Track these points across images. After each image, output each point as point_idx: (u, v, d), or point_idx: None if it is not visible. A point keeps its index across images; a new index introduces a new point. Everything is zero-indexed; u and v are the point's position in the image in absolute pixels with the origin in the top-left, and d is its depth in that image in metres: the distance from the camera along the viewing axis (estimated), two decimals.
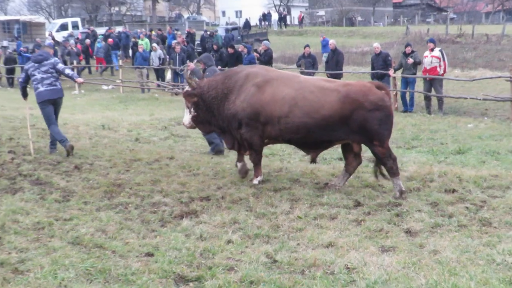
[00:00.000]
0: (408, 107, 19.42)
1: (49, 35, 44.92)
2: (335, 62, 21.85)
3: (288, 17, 71.54)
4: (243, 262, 6.00)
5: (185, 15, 79.60)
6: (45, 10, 65.20)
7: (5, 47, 36.01)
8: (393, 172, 8.83)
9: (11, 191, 8.75)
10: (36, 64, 11.60)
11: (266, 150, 11.95)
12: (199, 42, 38.35)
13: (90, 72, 34.64)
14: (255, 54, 24.64)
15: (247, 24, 53.64)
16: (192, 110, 9.78)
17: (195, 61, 13.70)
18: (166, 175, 9.85)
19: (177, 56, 26.11)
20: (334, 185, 9.12)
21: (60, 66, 11.88)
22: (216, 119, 9.63)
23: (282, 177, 9.68)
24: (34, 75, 11.58)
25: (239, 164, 9.80)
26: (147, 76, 27.86)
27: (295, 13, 76.43)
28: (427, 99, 19.20)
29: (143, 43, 32.14)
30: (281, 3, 79.33)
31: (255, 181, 9.44)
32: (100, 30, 45.97)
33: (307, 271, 5.79)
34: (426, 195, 8.55)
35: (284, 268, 5.86)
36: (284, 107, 8.94)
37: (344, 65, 22.86)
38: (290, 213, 7.81)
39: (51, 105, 11.67)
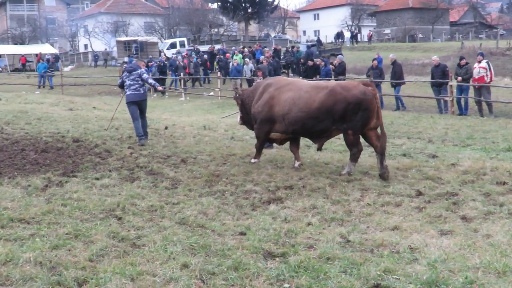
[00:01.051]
0: (463, 111, 18.92)
1: (160, 52, 45.83)
2: (393, 73, 21.72)
3: (359, 35, 70.71)
4: (321, 241, 5.95)
5: (272, 34, 79.80)
6: (158, 32, 66.51)
7: (125, 62, 36.97)
8: (354, 158, 9.44)
9: (130, 179, 8.95)
10: (127, 73, 12.82)
11: (339, 147, 11.90)
12: (282, 56, 38.31)
13: (206, 81, 34.65)
14: (331, 66, 24.47)
15: (319, 41, 53.06)
16: (239, 112, 11.11)
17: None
18: (257, 168, 9.87)
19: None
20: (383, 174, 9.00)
21: (145, 76, 13.01)
22: (249, 118, 10.60)
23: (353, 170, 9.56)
24: (125, 81, 12.79)
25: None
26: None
27: (365, 32, 75.62)
28: (478, 104, 18.72)
29: (237, 58, 32.37)
30: (353, 23, 78.43)
31: (253, 161, 10.38)
32: (203, 48, 46.60)
33: (376, 250, 5.70)
34: (480, 187, 8.28)
35: (356, 247, 5.79)
36: (286, 107, 9.66)
37: (406, 75, 22.50)
38: (361, 200, 7.71)
39: (135, 105, 12.75)
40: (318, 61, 25.58)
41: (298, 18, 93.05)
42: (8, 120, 16.33)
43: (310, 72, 23.98)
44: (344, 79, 23.53)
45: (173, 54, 43.43)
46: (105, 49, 57.57)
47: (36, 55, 46.94)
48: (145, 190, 8.22)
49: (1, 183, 8.57)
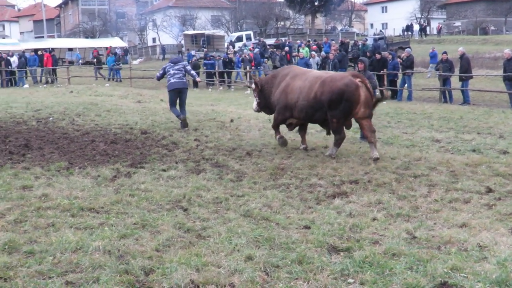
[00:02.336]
0: None
1: (227, 46, 46.11)
2: (460, 66, 21.20)
3: (428, 28, 69.04)
4: (386, 237, 5.87)
5: (339, 27, 79.04)
6: (224, 25, 67.01)
7: (193, 56, 37.38)
8: (337, 143, 10.27)
9: (196, 171, 9.07)
10: (172, 64, 14.07)
11: (406, 141, 11.70)
12: (350, 50, 37.87)
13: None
14: (398, 60, 24.04)
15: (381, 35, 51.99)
16: (256, 98, 11.82)
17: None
18: (321, 161, 9.82)
19: (331, 62, 26.08)
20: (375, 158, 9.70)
21: (188, 68, 14.48)
22: (269, 104, 11.44)
23: (421, 165, 9.38)
24: (169, 71, 13.95)
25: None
26: None
27: (434, 24, 73.65)
28: None
29: (304, 52, 32.24)
30: (422, 16, 76.79)
31: (277, 137, 11.38)
32: (269, 41, 46.64)
33: (443, 247, 5.57)
34: None
35: (422, 244, 5.68)
36: (295, 95, 10.54)
37: (477, 69, 21.87)
38: (427, 196, 7.55)
39: (176, 93, 13.87)
40: (385, 54, 25.17)
41: (366, 11, 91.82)
42: (79, 112, 16.83)
43: (377, 65, 23.58)
44: (412, 73, 23.13)
45: (238, 47, 43.64)
46: (179, 41, 58.30)
47: (106, 48, 47.96)
48: (211, 182, 8.31)
49: (72, 173, 8.85)
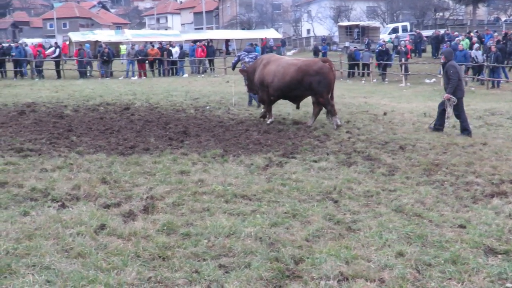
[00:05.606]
0: None
1: (381, 38, 45.29)
2: None
3: None
4: None
5: (503, 18, 74.70)
6: (380, 16, 65.79)
7: (347, 47, 37.23)
8: (332, 113, 12.64)
9: (347, 164, 9.03)
10: (246, 53, 16.24)
11: None
12: None
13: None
14: None
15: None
16: (245, 80, 15.14)
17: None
18: (479, 159, 9.38)
19: (493, 55, 24.69)
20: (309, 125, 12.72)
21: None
22: (254, 85, 13.86)
23: None
24: (243, 58, 15.88)
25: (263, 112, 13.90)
26: (466, 72, 26.69)
27: None
28: None
29: (463, 44, 30.87)
30: None
31: (268, 122, 13.28)
32: (426, 33, 45.14)
33: None
34: None
35: None
36: (270, 77, 13.04)
37: None
38: None
39: None
40: None
41: None
42: (234, 101, 17.36)
43: None
44: None
45: (390, 39, 42.65)
46: (328, 34, 58.33)
47: (262, 39, 48.96)
48: (362, 175, 8.24)
49: (227, 160, 9.17)
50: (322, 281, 4.58)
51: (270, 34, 54.53)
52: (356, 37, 49.47)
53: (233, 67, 17.01)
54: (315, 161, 9.15)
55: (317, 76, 12.30)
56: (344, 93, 21.82)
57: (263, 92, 13.43)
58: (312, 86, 12.40)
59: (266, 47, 44.26)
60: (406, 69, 28.90)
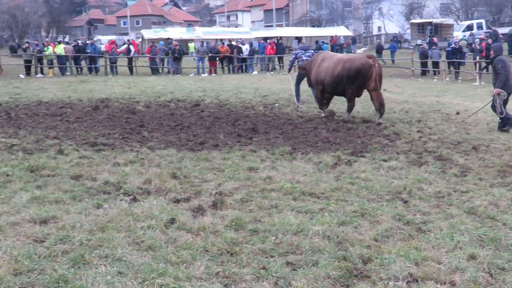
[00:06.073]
0: None
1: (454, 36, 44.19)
2: None
3: None
4: None
5: None
6: (454, 13, 64.22)
7: (419, 45, 36.58)
8: (349, 109, 13.37)
9: (417, 163, 8.86)
10: (303, 51, 16.44)
11: None
12: None
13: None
14: None
15: None
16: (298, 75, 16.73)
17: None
18: None
19: None
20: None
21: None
22: (311, 81, 14.48)
23: None
24: (300, 57, 16.16)
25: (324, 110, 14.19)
26: None
27: None
28: None
29: None
30: None
31: (322, 115, 14.02)
32: (502, 30, 43.73)
33: None
34: None
35: None
36: (323, 74, 13.51)
37: None
38: None
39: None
40: None
41: None
42: (303, 99, 17.32)
43: None
44: None
45: (463, 36, 41.56)
46: (398, 31, 57.40)
47: (332, 37, 48.62)
48: (433, 176, 8.07)
49: (295, 158, 9.17)
50: (391, 282, 4.52)
51: (340, 31, 54.15)
52: (428, 34, 48.47)
53: (291, 66, 17.22)
54: (385, 160, 9.03)
55: (357, 72, 12.72)
56: (416, 92, 21.44)
57: (318, 88, 13.93)
58: (351, 81, 12.82)
59: (336, 44, 43.92)
60: (481, 68, 28.12)
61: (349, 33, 58.00)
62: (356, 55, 14.47)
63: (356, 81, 12.77)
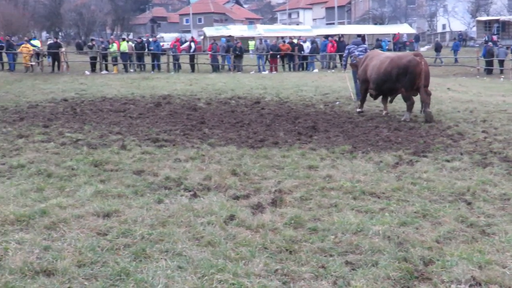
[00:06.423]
0: None
1: None
2: None
3: None
4: None
5: None
6: None
7: (487, 42, 35.67)
8: (409, 108, 13.15)
9: (482, 164, 8.63)
10: (355, 46, 16.76)
11: None
12: None
13: None
14: None
15: None
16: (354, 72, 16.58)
17: None
18: None
19: None
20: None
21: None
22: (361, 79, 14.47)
23: None
24: (353, 52, 16.50)
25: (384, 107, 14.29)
26: None
27: None
28: None
29: None
30: None
31: (357, 110, 14.48)
32: None
33: None
34: None
35: None
36: (369, 71, 13.68)
37: None
38: None
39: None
40: None
41: None
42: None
43: None
44: None
45: None
46: (464, 29, 56.14)
47: (394, 35, 48.01)
48: (498, 177, 7.84)
49: (355, 157, 9.09)
50: (453, 285, 4.42)
51: (403, 29, 53.32)
52: (495, 32, 47.21)
53: (345, 62, 17.39)
54: (448, 161, 8.84)
55: (405, 70, 12.66)
56: (481, 91, 20.90)
57: (364, 85, 14.16)
58: (399, 79, 12.79)
59: (399, 42, 43.30)
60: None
61: (412, 31, 57.07)
62: (403, 53, 14.51)
63: (405, 79, 12.69)
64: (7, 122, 12.48)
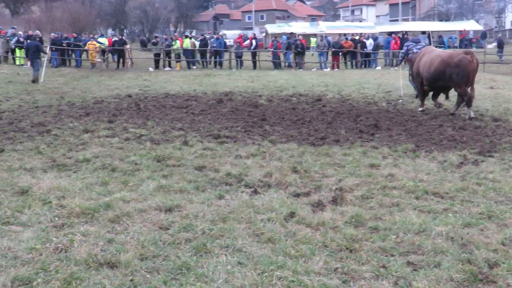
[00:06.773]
0: None
1: None
2: None
3: None
4: None
5: None
6: None
7: None
8: (468, 104, 12.93)
9: None
10: (414, 43, 16.42)
11: None
12: None
13: None
14: None
15: None
16: (410, 69, 16.23)
17: None
18: None
19: None
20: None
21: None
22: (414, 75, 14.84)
23: None
24: (412, 49, 16.04)
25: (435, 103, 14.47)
26: None
27: None
28: None
29: None
30: None
31: (419, 109, 14.24)
32: None
33: None
34: None
35: None
36: (421, 68, 13.77)
37: None
38: None
39: None
40: None
41: None
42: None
43: None
44: None
45: None
46: None
47: (460, 32, 46.93)
48: None
49: (418, 156, 8.94)
50: None
51: (470, 26, 52.09)
52: None
53: (402, 59, 17.09)
54: None
55: (457, 68, 12.70)
56: None
57: (417, 82, 14.36)
58: (452, 77, 12.82)
59: (465, 39, 42.29)
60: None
61: (479, 27, 55.63)
62: (454, 52, 14.33)
63: (457, 76, 12.69)
64: (73, 117, 12.83)
